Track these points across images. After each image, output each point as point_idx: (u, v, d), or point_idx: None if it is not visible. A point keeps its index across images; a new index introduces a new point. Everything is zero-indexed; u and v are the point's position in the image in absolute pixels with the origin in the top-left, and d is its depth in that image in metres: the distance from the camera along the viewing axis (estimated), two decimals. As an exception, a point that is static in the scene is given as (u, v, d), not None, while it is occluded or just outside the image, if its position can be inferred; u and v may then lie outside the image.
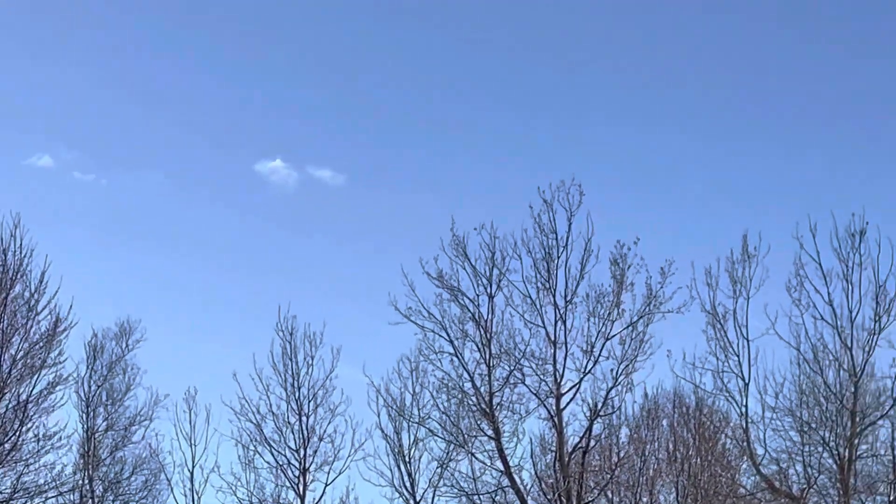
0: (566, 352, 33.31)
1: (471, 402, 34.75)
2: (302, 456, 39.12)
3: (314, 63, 73.54)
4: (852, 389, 32.84)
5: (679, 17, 69.00)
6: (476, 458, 35.59)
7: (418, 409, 37.88)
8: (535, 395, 33.86)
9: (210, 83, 73.87)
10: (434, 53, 73.73)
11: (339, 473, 39.08)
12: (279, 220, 71.20)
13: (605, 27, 70.70)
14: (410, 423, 38.16)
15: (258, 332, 54.98)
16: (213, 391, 51.43)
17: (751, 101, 69.14)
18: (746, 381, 33.16)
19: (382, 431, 38.55)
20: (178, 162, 74.38)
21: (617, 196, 59.18)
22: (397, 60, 72.71)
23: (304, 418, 39.28)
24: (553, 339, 33.40)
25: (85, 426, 44.58)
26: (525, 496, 34.25)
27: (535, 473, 34.70)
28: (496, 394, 34.09)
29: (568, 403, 33.48)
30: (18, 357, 34.80)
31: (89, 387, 45.09)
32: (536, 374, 33.70)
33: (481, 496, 36.57)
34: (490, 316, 34.14)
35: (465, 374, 34.45)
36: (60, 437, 36.38)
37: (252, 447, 39.24)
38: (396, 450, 38.47)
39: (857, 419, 32.99)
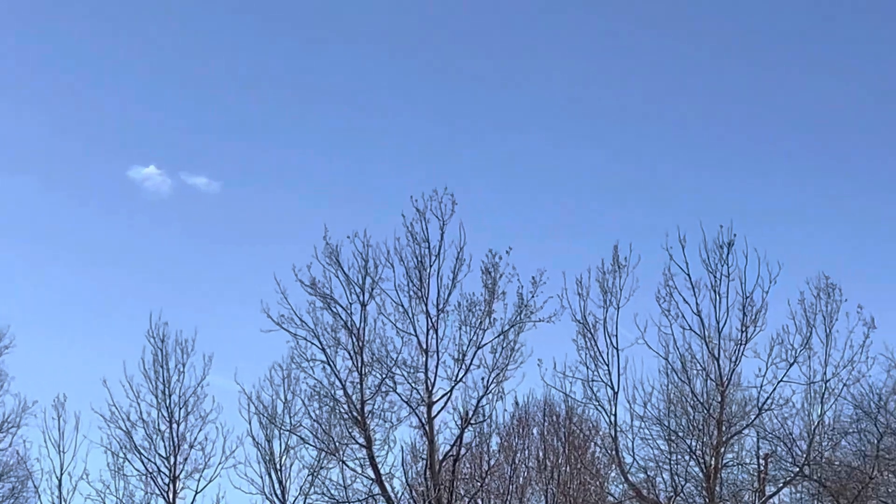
0: (438, 360, 33.46)
1: (342, 410, 34.72)
2: (172, 463, 38.74)
3: (188, 70, 73.00)
4: (719, 399, 33.19)
5: (543, 16, 69.23)
6: (347, 466, 35.49)
7: (290, 417, 37.70)
8: (406, 403, 33.96)
9: (83, 88, 73.05)
10: (304, 57, 73.34)
11: (210, 481, 38.77)
12: (152, 226, 70.72)
13: (471, 29, 70.83)
14: (282, 431, 37.95)
15: (129, 339, 54.53)
16: (83, 398, 50.63)
17: (623, 108, 69.69)
18: (616, 390, 33.33)
19: (254, 439, 38.33)
20: (51, 166, 73.43)
21: (490, 205, 59.38)
22: (270, 65, 72.39)
23: (174, 426, 38.89)
24: (425, 347, 33.49)
25: (-50, 433, 43.86)
26: (396, 504, 34.33)
27: (406, 481, 34.78)
28: (368, 402, 34.11)
29: (439, 412, 33.64)
30: None
31: (-46, 394, 44.37)
32: (408, 383, 33.81)
33: (352, 504, 36.58)
34: (362, 324, 34.20)
35: (337, 382, 34.44)
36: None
37: (122, 454, 38.75)
38: (267, 457, 38.24)
39: (724, 428, 33.36)
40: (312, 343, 34.47)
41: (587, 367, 33.45)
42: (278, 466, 38.24)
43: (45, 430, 40.79)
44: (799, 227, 60.36)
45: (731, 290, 33.04)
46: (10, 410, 44.75)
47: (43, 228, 71.07)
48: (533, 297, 33.56)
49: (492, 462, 37.11)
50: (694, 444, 33.95)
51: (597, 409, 34.23)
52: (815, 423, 35.13)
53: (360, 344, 34.03)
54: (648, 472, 35.37)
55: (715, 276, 33.06)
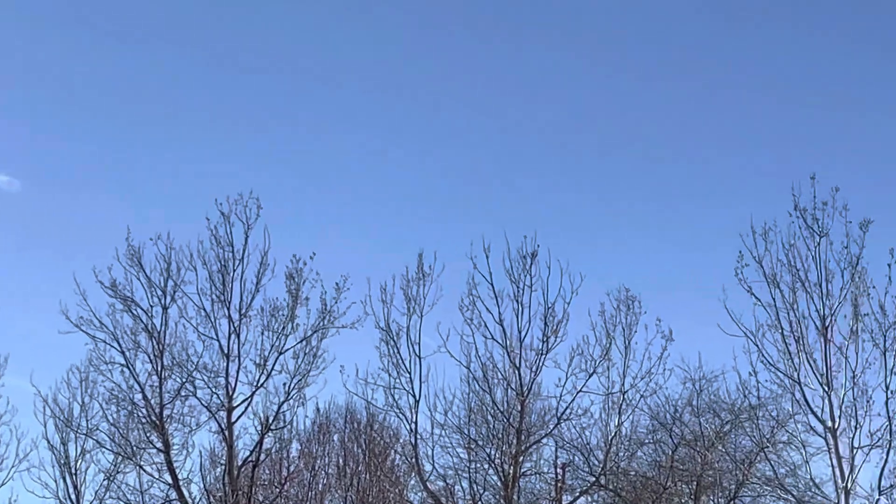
0: (239, 365, 33.24)
1: (141, 414, 34.31)
2: (-37, 466, 37.97)
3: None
4: (519, 408, 33.51)
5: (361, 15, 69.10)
6: (144, 471, 35.19)
7: (87, 421, 37.22)
8: (206, 407, 33.67)
9: None
10: (99, 51, 71.78)
11: (2, 484, 38.05)
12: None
13: (301, 24, 70.32)
14: (78, 435, 37.46)
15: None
16: None
17: (433, 113, 69.60)
18: (417, 398, 33.42)
19: (48, 442, 37.77)
20: None
21: (296, 209, 58.88)
22: (79, 59, 70.80)
23: (-33, 427, 38.12)
24: (226, 351, 33.26)
25: None
26: (193, 510, 34.00)
27: (205, 487, 34.56)
28: (167, 406, 33.74)
29: (239, 417, 33.42)
30: None
31: None
32: (208, 387, 33.53)
33: (149, 509, 36.17)
34: (164, 327, 33.78)
35: (136, 386, 34.02)
36: None
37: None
38: (62, 461, 37.73)
39: (523, 437, 33.69)
40: (111, 346, 34.02)
41: (389, 375, 33.50)
42: (73, 470, 37.75)
43: None
44: (601, 238, 61.04)
45: (534, 301, 33.38)
46: None
47: None
48: (336, 302, 33.64)
49: (291, 468, 37.03)
50: (493, 452, 34.20)
51: (398, 416, 34.31)
52: (613, 434, 35.60)
53: (161, 347, 33.63)
54: (447, 481, 35.54)
55: (518, 286, 33.36)
